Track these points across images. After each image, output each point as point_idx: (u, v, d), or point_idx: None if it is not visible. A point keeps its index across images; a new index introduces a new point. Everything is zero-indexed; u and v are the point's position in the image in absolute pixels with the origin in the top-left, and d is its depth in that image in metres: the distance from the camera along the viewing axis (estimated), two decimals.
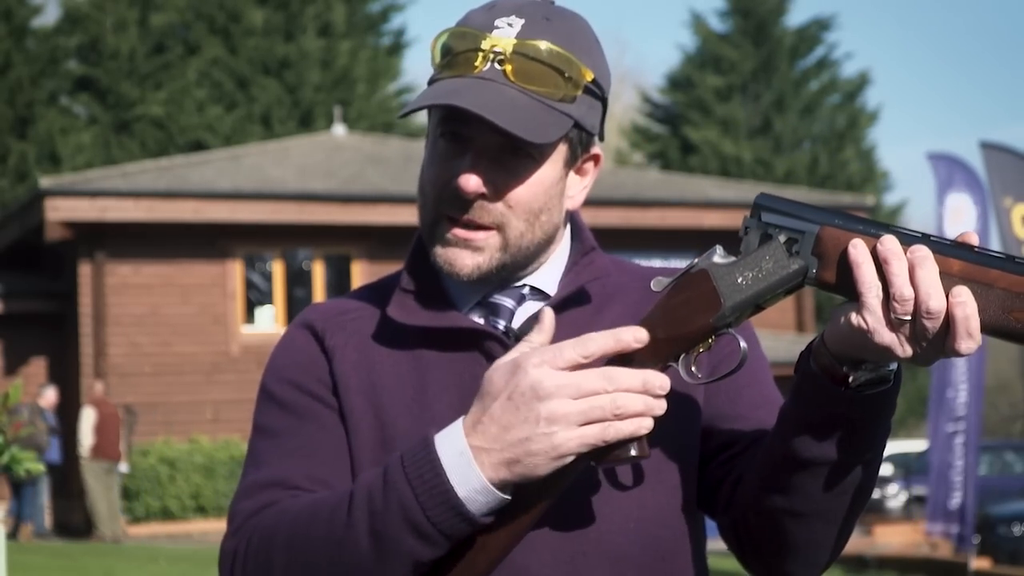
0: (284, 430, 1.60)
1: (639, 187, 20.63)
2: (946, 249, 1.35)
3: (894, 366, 1.43)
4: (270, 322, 18.41)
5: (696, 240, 19.69)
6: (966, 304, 1.33)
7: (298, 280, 18.79)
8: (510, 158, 1.55)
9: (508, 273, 1.60)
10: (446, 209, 1.57)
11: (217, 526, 16.44)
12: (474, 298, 1.63)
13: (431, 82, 1.59)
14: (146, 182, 17.79)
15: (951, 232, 11.97)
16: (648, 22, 73.63)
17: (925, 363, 1.37)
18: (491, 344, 1.58)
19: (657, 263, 1.79)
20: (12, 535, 14.65)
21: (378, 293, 1.67)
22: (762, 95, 32.64)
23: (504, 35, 1.54)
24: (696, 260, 1.47)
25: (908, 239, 1.36)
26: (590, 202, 18.90)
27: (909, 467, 23.01)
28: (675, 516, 1.57)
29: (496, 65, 1.54)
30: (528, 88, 1.53)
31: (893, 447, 26.36)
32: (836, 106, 33.40)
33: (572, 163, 1.62)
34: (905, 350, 1.35)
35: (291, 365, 1.63)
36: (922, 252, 1.34)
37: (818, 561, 1.56)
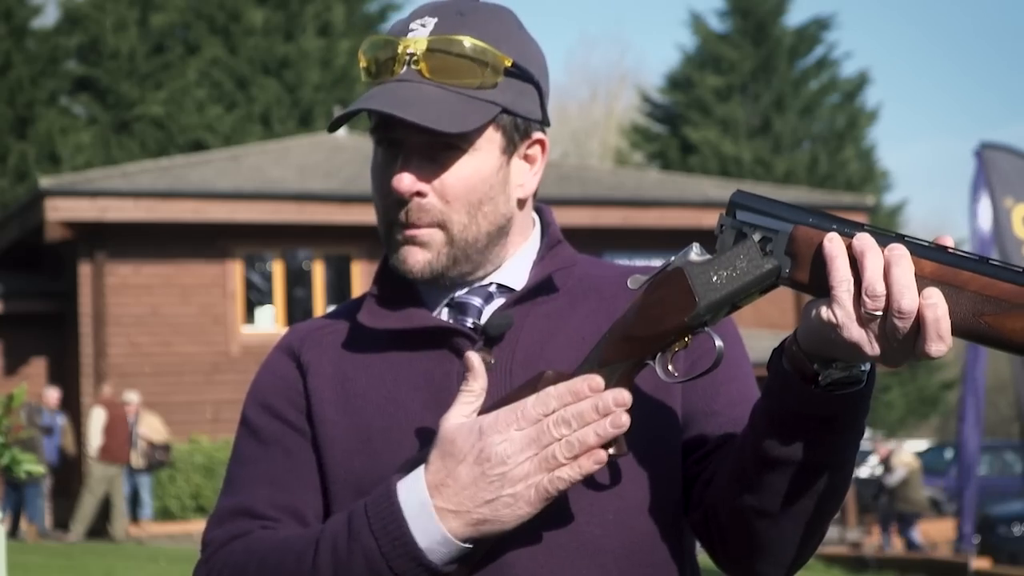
0: (253, 457, 1.65)
1: (639, 187, 20.63)
2: (919, 250, 1.34)
3: (867, 366, 1.42)
4: (270, 322, 18.41)
5: (696, 240, 19.69)
6: (937, 306, 1.31)
7: (298, 280, 18.79)
8: (440, 154, 1.58)
9: (465, 269, 1.62)
10: (391, 215, 1.60)
11: None
12: (443, 300, 1.66)
13: (362, 92, 1.64)
14: (146, 182, 17.79)
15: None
16: (648, 22, 73.68)
17: (894, 364, 1.35)
18: (459, 340, 1.60)
19: (657, 263, 1.79)
20: (12, 534, 14.65)
21: (355, 304, 1.71)
22: (762, 95, 32.64)
23: (418, 35, 1.58)
24: (673, 258, 1.46)
25: (883, 239, 1.35)
26: (590, 202, 19.00)
27: None
28: (656, 509, 1.57)
29: (411, 66, 1.58)
30: (445, 82, 1.57)
31: (893, 447, 26.35)
32: (836, 106, 33.42)
33: (511, 150, 1.63)
34: (874, 348, 1.33)
35: (265, 389, 1.68)
36: (898, 250, 1.33)
37: (786, 561, 1.55)
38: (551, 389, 1.44)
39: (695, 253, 1.45)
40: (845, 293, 1.33)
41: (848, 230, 1.37)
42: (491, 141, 1.60)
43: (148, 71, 28.07)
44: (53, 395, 16.46)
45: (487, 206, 1.60)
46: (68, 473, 17.13)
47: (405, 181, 1.57)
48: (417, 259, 1.59)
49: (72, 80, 28.32)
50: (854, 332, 1.33)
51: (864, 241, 1.34)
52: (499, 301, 1.64)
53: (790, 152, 32.46)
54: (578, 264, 1.69)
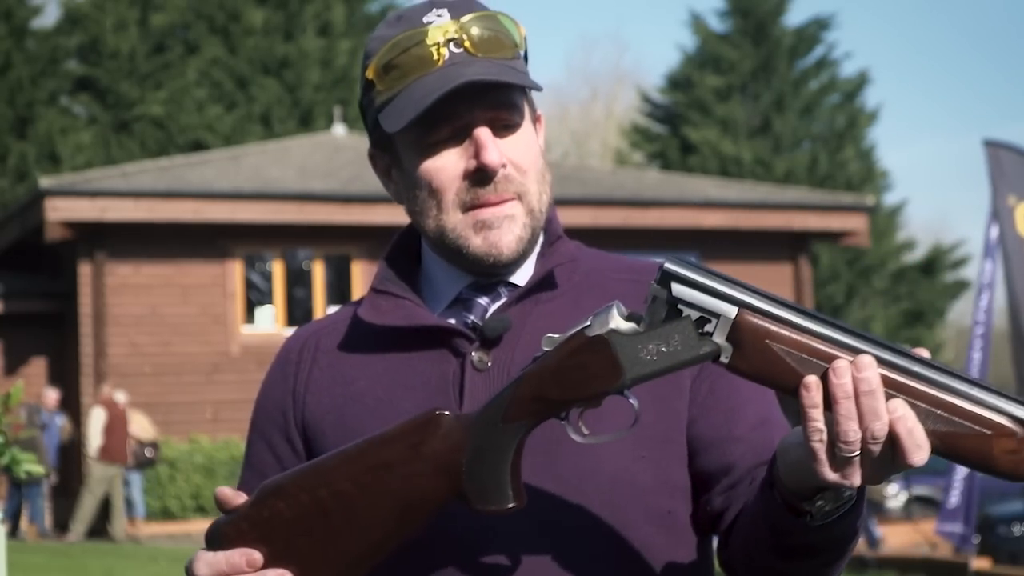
0: (243, 483, 1.70)
1: (639, 187, 20.63)
2: (878, 359, 1.29)
3: (849, 496, 1.39)
4: (270, 322, 18.41)
5: (696, 240, 19.70)
6: (906, 418, 1.28)
7: (298, 280, 18.79)
8: (503, 130, 1.58)
9: (532, 245, 1.62)
10: (473, 197, 1.57)
11: None
12: (449, 295, 1.65)
13: (385, 101, 1.59)
14: (146, 182, 17.79)
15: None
16: (648, 22, 73.65)
17: (878, 482, 1.32)
18: (458, 341, 1.60)
19: (658, 262, 1.79)
20: (12, 534, 14.64)
21: (357, 304, 1.70)
22: (762, 95, 32.64)
23: (443, 23, 1.57)
24: (592, 320, 1.39)
25: (844, 345, 1.30)
26: (590, 202, 18.99)
27: None
28: (654, 522, 1.56)
29: (454, 48, 1.56)
30: (491, 56, 1.57)
31: None
32: (836, 106, 33.40)
33: (535, 124, 1.66)
34: (854, 478, 1.30)
35: (259, 410, 1.72)
36: (868, 380, 1.28)
37: None
38: (221, 556, 1.45)
39: (618, 319, 1.38)
40: (819, 444, 1.30)
41: (802, 323, 1.31)
42: (527, 115, 1.62)
43: (148, 71, 28.07)
44: (52, 395, 16.46)
45: (547, 174, 1.63)
46: (68, 473, 17.14)
47: (495, 154, 1.56)
48: (509, 239, 1.58)
49: (72, 80, 28.32)
50: (830, 475, 1.30)
51: (840, 380, 1.28)
52: (504, 297, 1.63)
53: (790, 152, 32.45)
54: (581, 259, 1.67)
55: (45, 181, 17.61)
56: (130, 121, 27.96)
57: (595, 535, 1.53)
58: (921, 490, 21.88)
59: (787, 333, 1.31)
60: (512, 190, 1.58)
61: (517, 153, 1.58)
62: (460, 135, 1.57)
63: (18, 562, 10.82)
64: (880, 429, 1.27)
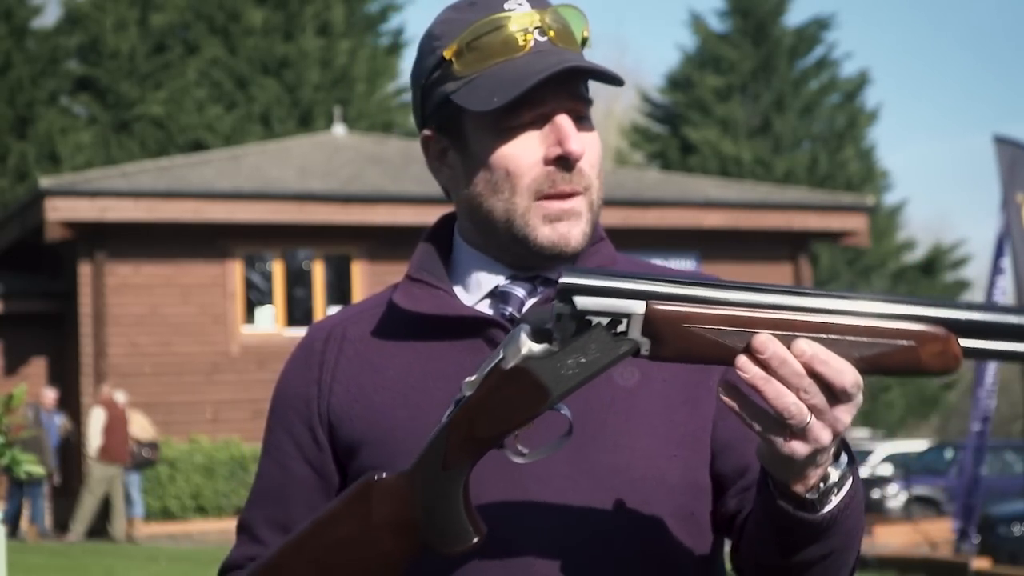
0: (261, 471, 1.70)
1: (639, 187, 20.63)
2: (789, 309, 1.31)
3: (844, 464, 1.39)
4: (270, 322, 18.42)
5: (696, 240, 19.71)
6: (816, 354, 1.29)
7: (298, 280, 18.79)
8: (577, 122, 1.59)
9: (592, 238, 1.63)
10: (550, 185, 1.57)
11: (217, 526, 16.46)
12: (484, 286, 1.64)
13: (467, 80, 1.58)
14: (146, 182, 17.79)
15: None
16: (648, 22, 73.67)
17: (842, 430, 1.32)
18: (494, 331, 1.59)
19: (657, 263, 1.79)
20: (12, 534, 14.65)
21: (388, 292, 1.70)
22: (761, 95, 32.64)
23: (526, 11, 1.59)
24: (504, 351, 1.38)
25: (754, 304, 1.32)
26: None
27: (909, 467, 23.01)
28: (679, 521, 1.57)
29: (539, 36, 1.58)
30: (571, 49, 1.59)
31: (893, 447, 26.35)
32: (835, 106, 33.41)
33: None
34: (822, 438, 1.31)
35: (279, 398, 1.71)
36: (777, 356, 1.29)
37: None
38: None
39: (529, 343, 1.36)
40: (769, 433, 1.32)
41: (710, 296, 1.32)
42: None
43: (148, 71, 28.07)
44: (50, 395, 16.46)
45: (603, 174, 1.64)
46: (68, 473, 17.14)
47: (578, 143, 1.56)
48: (576, 232, 1.59)
49: (72, 80, 28.32)
50: (799, 448, 1.31)
51: (754, 376, 1.30)
52: (542, 291, 1.62)
53: (790, 152, 32.46)
54: (618, 263, 1.68)
55: (45, 181, 17.61)
56: (130, 121, 27.96)
57: (623, 533, 1.54)
58: (921, 490, 21.90)
59: (700, 310, 1.32)
60: (583, 183, 1.59)
61: (588, 147, 1.59)
62: (540, 122, 1.58)
63: (18, 562, 10.82)
64: (808, 385, 1.29)
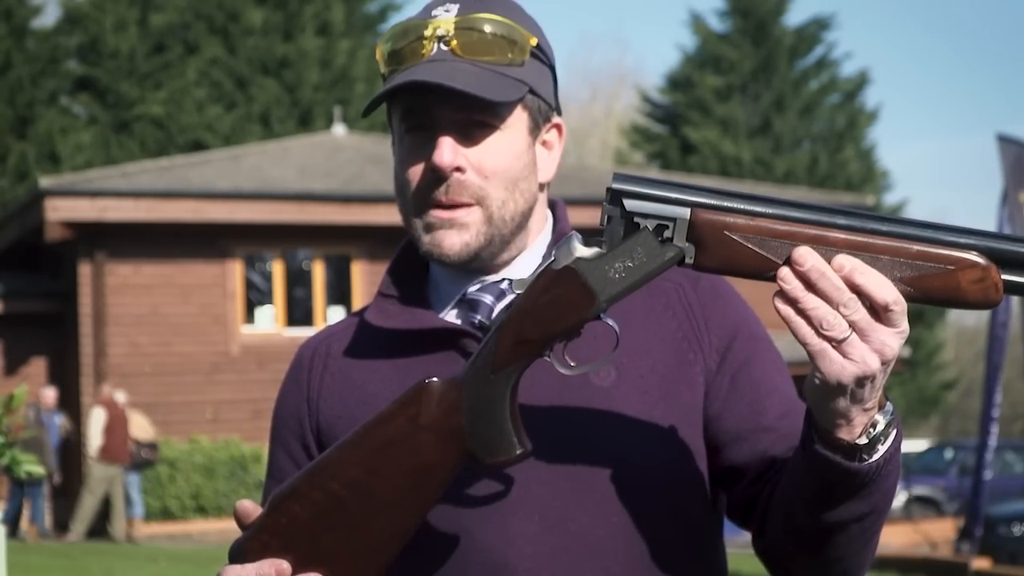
0: (266, 491, 1.71)
1: None
2: (830, 224, 1.34)
3: (890, 413, 1.40)
4: (270, 322, 18.42)
5: None
6: (855, 267, 1.32)
7: (298, 280, 18.79)
8: (475, 132, 1.58)
9: (496, 250, 1.62)
10: (426, 195, 1.59)
11: (217, 526, 16.46)
12: (454, 296, 1.65)
13: (383, 84, 1.62)
14: (146, 182, 17.79)
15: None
16: (648, 22, 73.69)
17: (893, 354, 1.33)
18: (466, 341, 1.60)
19: None
20: (12, 534, 14.65)
21: (366, 308, 1.72)
22: (762, 95, 32.64)
23: (444, 18, 1.59)
24: (555, 254, 1.42)
25: (796, 219, 1.34)
26: (590, 202, 18.99)
27: (909, 467, 23.02)
28: (669, 515, 1.57)
29: (442, 46, 1.58)
30: (477, 60, 1.58)
31: None
32: (835, 106, 33.41)
33: (536, 132, 1.64)
34: (869, 362, 1.32)
35: (278, 417, 1.74)
36: (817, 269, 1.31)
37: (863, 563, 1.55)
38: (250, 568, 1.46)
39: (579, 247, 1.41)
40: (815, 341, 1.32)
41: (756, 209, 1.35)
42: (520, 120, 1.62)
43: (148, 71, 28.07)
44: (50, 394, 16.46)
45: (522, 183, 1.61)
46: (68, 473, 17.14)
47: (447, 155, 1.56)
48: (453, 242, 1.59)
49: (72, 80, 28.32)
50: (847, 368, 1.32)
51: (794, 285, 1.32)
52: (510, 297, 1.62)
53: (790, 152, 32.46)
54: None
55: (45, 181, 17.61)
56: (130, 121, 27.96)
57: (605, 532, 1.54)
58: (921, 490, 21.90)
59: (742, 221, 1.35)
60: (468, 195, 1.58)
61: (484, 157, 1.58)
62: (431, 131, 1.59)
63: (18, 562, 10.82)
64: (848, 299, 1.31)
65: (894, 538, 18.00)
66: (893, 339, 1.32)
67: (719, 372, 1.60)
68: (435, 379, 1.46)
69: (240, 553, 1.48)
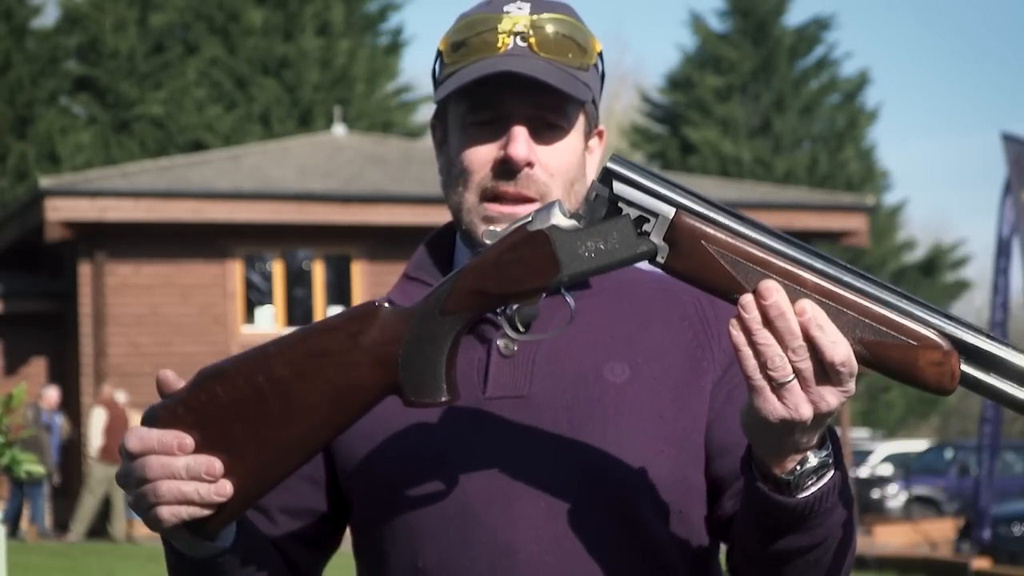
0: None
1: None
2: (805, 265, 1.32)
3: (825, 453, 1.38)
4: (270, 322, 18.41)
5: None
6: (815, 317, 1.30)
7: (298, 280, 18.79)
8: (544, 131, 1.60)
9: None
10: (493, 185, 1.60)
11: None
12: None
13: (447, 75, 1.62)
14: (146, 182, 17.79)
15: None
16: (648, 22, 73.68)
17: (828, 410, 1.31)
18: (485, 327, 1.61)
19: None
20: (12, 534, 14.65)
21: (389, 294, 1.72)
22: (762, 95, 32.64)
23: (519, 15, 1.60)
24: (533, 216, 1.41)
25: (776, 251, 1.32)
26: None
27: (909, 467, 23.03)
28: (665, 515, 1.57)
29: (519, 41, 1.59)
30: (553, 59, 1.59)
31: (893, 447, 26.36)
32: (836, 106, 33.41)
33: (588, 136, 1.67)
34: (803, 410, 1.31)
35: None
36: (777, 306, 1.30)
37: None
38: (154, 434, 1.43)
39: (559, 215, 1.39)
40: (757, 377, 1.31)
41: (735, 227, 1.34)
42: (579, 125, 1.64)
43: (148, 71, 28.08)
44: (52, 394, 16.46)
45: (578, 185, 1.64)
46: (68, 473, 17.14)
47: (523, 148, 1.58)
48: None
49: (72, 80, 28.33)
50: (777, 409, 1.31)
51: (752, 315, 1.30)
52: None
53: (790, 152, 32.46)
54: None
55: (45, 181, 17.61)
56: (130, 121, 27.96)
57: (608, 525, 1.55)
58: (921, 490, 21.91)
59: (722, 236, 1.34)
60: (534, 190, 1.60)
61: (552, 156, 1.61)
62: (501, 124, 1.60)
63: (18, 562, 10.82)
64: (799, 347, 1.29)
65: (894, 538, 18.02)
66: (833, 396, 1.31)
67: (719, 384, 1.61)
68: (387, 304, 1.46)
69: (152, 419, 1.45)
